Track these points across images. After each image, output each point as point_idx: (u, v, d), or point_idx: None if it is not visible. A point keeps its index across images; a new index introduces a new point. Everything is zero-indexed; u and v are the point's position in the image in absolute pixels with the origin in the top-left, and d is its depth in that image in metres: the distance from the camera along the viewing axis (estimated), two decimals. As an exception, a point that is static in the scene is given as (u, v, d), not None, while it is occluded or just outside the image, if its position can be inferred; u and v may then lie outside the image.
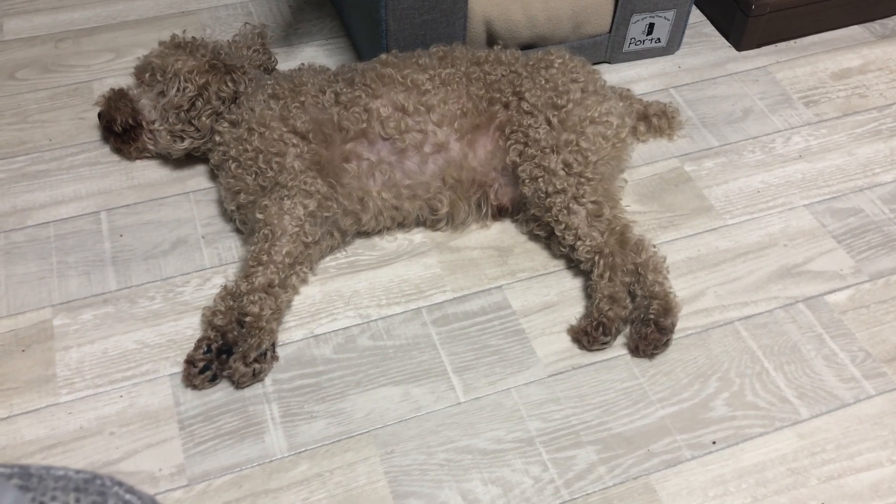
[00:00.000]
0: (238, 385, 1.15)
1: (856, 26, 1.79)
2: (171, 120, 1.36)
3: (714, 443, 1.12)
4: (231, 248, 1.34)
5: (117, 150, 1.46)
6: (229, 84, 1.34)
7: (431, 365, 1.20)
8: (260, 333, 1.15)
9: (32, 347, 1.20)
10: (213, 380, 1.15)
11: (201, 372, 1.14)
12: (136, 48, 1.68)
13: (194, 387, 1.15)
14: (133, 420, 1.13)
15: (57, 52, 1.68)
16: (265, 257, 1.20)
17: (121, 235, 1.35)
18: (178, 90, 1.34)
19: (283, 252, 1.20)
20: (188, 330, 1.23)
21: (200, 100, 1.33)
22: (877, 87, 1.65)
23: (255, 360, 1.15)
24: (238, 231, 1.35)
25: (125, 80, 1.42)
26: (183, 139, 1.37)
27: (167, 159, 1.45)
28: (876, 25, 1.79)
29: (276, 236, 1.21)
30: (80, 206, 1.39)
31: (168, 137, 1.37)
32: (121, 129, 1.40)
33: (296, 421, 1.13)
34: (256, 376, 1.15)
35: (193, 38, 1.42)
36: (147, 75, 1.38)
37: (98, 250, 1.33)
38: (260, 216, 1.23)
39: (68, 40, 1.71)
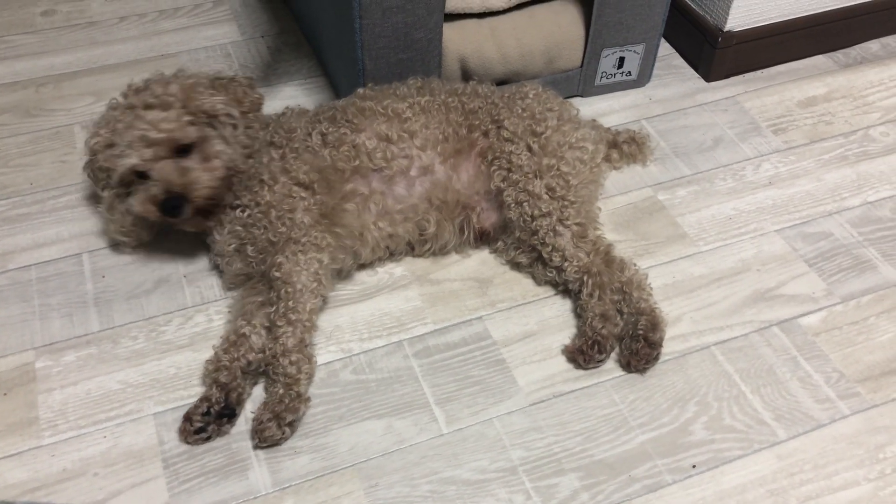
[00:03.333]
0: (262, 443, 1.13)
1: (819, 56, 1.84)
2: (240, 142, 1.27)
3: (694, 466, 1.14)
4: (213, 287, 1.35)
5: (202, 222, 1.28)
6: (249, 90, 1.33)
7: (414, 397, 1.21)
8: (298, 400, 1.15)
9: (14, 391, 1.20)
10: (207, 440, 1.15)
11: (196, 432, 1.14)
12: (117, 91, 1.69)
13: (187, 443, 1.14)
14: (117, 460, 1.13)
15: (38, 97, 1.70)
16: (293, 316, 1.19)
17: (103, 276, 1.36)
18: (233, 111, 1.27)
19: (308, 309, 1.20)
20: (171, 369, 1.23)
21: (245, 104, 1.30)
22: (842, 115, 1.70)
23: (288, 425, 1.14)
24: (218, 268, 1.36)
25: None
26: (251, 155, 1.29)
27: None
28: (839, 55, 1.85)
29: (298, 293, 1.20)
30: (62, 249, 1.40)
31: (243, 158, 1.27)
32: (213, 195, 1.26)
33: (279, 457, 1.14)
34: (278, 441, 1.14)
35: (181, 75, 1.33)
36: (196, 128, 1.24)
37: (80, 292, 1.33)
38: (276, 274, 1.22)
39: (49, 85, 1.73)
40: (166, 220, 1.25)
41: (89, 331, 1.28)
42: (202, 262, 1.38)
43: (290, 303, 1.20)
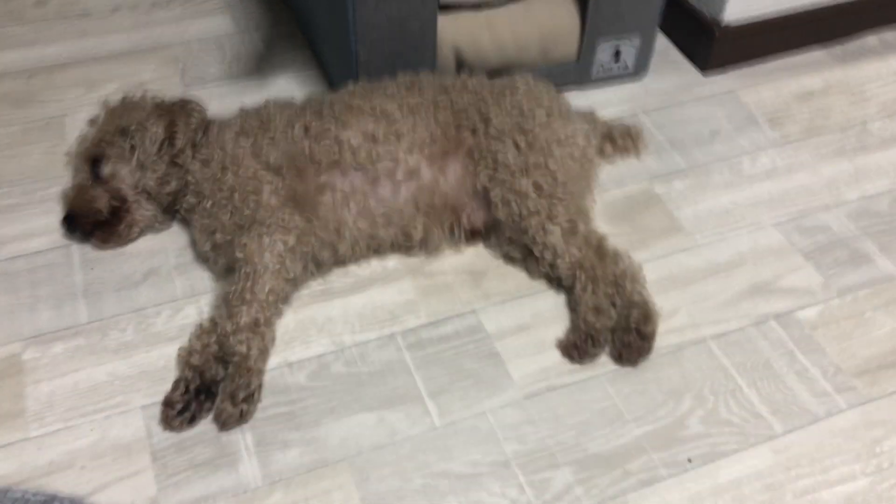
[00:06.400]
0: (224, 426, 1.13)
1: (817, 49, 1.83)
2: (154, 167, 1.32)
3: (690, 460, 1.13)
4: (203, 278, 1.33)
5: (104, 242, 1.36)
6: (194, 114, 1.35)
7: (406, 390, 1.20)
8: (248, 374, 1.14)
9: (1, 382, 1.19)
10: (192, 421, 1.14)
11: (179, 413, 1.13)
12: (108, 82, 1.69)
13: (172, 429, 1.13)
14: (105, 453, 1.11)
15: (28, 88, 1.68)
16: (248, 296, 1.19)
17: (92, 268, 1.34)
18: (150, 138, 1.31)
19: (267, 289, 1.20)
20: (160, 361, 1.22)
21: (178, 137, 1.32)
22: (839, 108, 1.69)
23: (244, 401, 1.13)
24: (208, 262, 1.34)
25: (96, 112, 1.42)
26: (170, 182, 1.33)
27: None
28: (836, 48, 1.84)
29: (257, 273, 1.20)
30: (51, 240, 1.38)
31: (154, 185, 1.33)
32: (108, 214, 1.33)
33: (270, 450, 1.12)
34: (243, 417, 1.14)
35: (123, 97, 1.41)
36: (105, 146, 1.33)
37: (69, 283, 1.32)
38: (240, 255, 1.22)
39: (40, 75, 1.71)
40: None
41: (78, 322, 1.27)
42: (193, 254, 1.37)
43: (249, 283, 1.19)
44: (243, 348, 1.15)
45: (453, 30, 1.53)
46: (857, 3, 1.79)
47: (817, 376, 1.23)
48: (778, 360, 1.25)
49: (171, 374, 1.19)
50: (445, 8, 1.51)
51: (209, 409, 1.15)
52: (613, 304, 1.25)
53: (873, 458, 1.14)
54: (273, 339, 1.22)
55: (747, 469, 1.12)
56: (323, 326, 1.27)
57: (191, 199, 1.31)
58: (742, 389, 1.21)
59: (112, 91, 1.67)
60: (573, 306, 1.28)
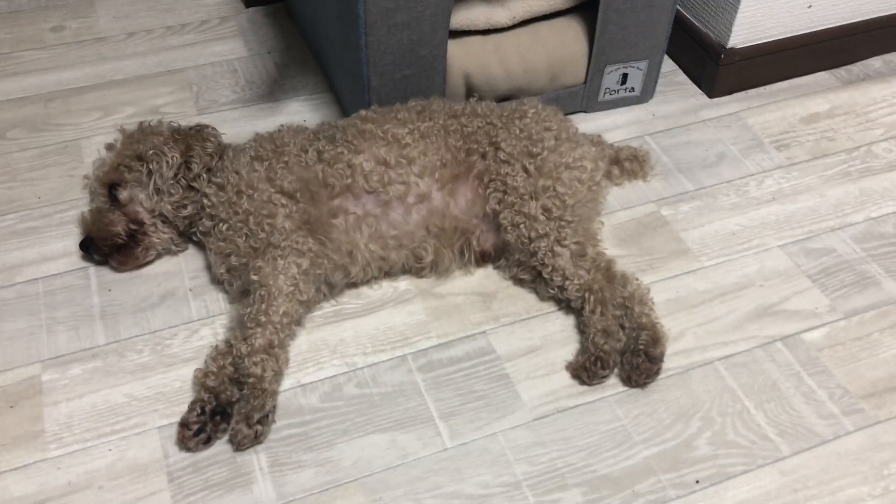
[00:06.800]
0: (238, 447, 1.15)
1: (822, 73, 1.85)
2: (171, 192, 1.35)
3: (698, 482, 1.14)
4: (218, 301, 1.36)
5: (121, 265, 1.38)
6: (210, 139, 1.38)
7: (417, 411, 1.21)
8: (263, 395, 1.16)
9: (21, 403, 1.21)
10: (208, 441, 1.15)
11: (196, 434, 1.14)
12: (125, 106, 1.73)
13: (188, 449, 1.15)
14: (122, 473, 1.13)
15: (46, 112, 1.71)
16: (263, 318, 1.21)
17: (109, 290, 1.37)
18: (167, 163, 1.34)
19: (281, 312, 1.22)
20: (177, 382, 1.24)
21: (194, 162, 1.34)
22: (844, 131, 1.71)
23: (259, 422, 1.15)
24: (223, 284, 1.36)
25: (113, 137, 1.45)
26: (186, 206, 1.36)
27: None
28: (841, 71, 1.86)
29: (272, 296, 1.22)
30: (69, 262, 1.41)
31: (171, 210, 1.35)
32: (126, 237, 1.36)
33: (284, 470, 1.14)
34: (258, 438, 1.15)
35: (140, 122, 1.44)
36: (122, 171, 1.36)
37: (87, 305, 1.34)
38: (255, 278, 1.24)
39: (57, 100, 1.74)
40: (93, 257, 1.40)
41: (95, 344, 1.29)
42: (207, 277, 1.39)
43: (263, 305, 1.21)
44: (258, 370, 1.17)
45: (463, 56, 1.56)
46: (862, 26, 1.81)
47: (824, 398, 1.24)
48: (785, 381, 1.26)
49: (187, 396, 1.21)
50: (455, 34, 1.54)
51: (224, 431, 1.17)
52: (622, 327, 1.27)
53: (881, 480, 1.15)
54: (287, 361, 1.24)
55: (755, 490, 1.13)
56: (335, 348, 1.29)
57: (206, 222, 1.34)
58: (749, 411, 1.22)
59: (128, 115, 1.70)
60: (582, 329, 1.30)
